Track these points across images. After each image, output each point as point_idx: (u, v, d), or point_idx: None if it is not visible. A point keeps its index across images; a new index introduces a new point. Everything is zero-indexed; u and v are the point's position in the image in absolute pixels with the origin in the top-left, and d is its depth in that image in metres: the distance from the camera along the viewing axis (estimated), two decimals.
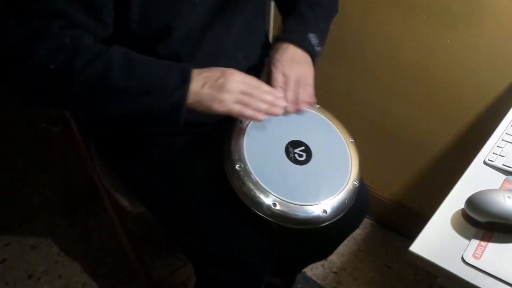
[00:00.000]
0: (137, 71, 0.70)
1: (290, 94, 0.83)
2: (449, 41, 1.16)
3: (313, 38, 0.90)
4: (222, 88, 0.74)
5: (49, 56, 0.67)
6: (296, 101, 0.83)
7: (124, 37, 0.76)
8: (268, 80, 0.84)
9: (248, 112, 0.75)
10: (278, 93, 0.80)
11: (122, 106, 0.72)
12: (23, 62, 0.68)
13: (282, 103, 0.80)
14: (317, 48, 0.90)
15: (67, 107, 0.90)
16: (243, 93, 0.75)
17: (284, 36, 0.88)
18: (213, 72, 0.75)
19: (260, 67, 0.95)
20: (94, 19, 0.72)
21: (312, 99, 0.86)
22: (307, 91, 0.85)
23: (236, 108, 0.75)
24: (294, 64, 0.86)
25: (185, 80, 0.72)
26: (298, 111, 0.84)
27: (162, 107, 0.72)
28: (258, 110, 0.76)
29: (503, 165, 0.77)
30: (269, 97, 0.78)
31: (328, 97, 1.45)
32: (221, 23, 0.84)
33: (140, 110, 0.72)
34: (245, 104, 0.75)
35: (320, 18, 0.94)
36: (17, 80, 0.71)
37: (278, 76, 0.84)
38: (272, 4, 1.10)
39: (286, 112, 0.82)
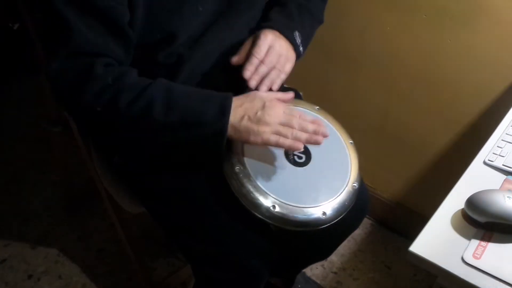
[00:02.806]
0: (177, 106, 0.72)
1: (264, 68, 0.83)
2: (449, 41, 1.16)
3: (298, 36, 0.90)
4: (260, 121, 0.73)
5: (95, 98, 0.71)
6: (263, 78, 0.83)
7: None
8: (250, 49, 0.83)
9: (286, 142, 0.74)
10: (321, 122, 0.79)
11: (165, 138, 0.75)
12: (72, 103, 0.74)
13: (325, 131, 0.78)
14: (300, 48, 0.90)
15: (116, 138, 0.93)
16: (282, 124, 0.75)
17: (272, 25, 0.88)
18: (254, 103, 0.75)
19: None
20: (125, 46, 0.75)
21: (276, 87, 0.85)
22: (280, 77, 0.85)
23: (273, 139, 0.74)
24: (281, 44, 0.86)
25: (224, 113, 0.72)
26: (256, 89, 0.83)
27: (202, 140, 0.73)
28: (297, 139, 0.75)
29: (503, 165, 0.77)
30: (311, 127, 0.77)
31: (328, 98, 1.44)
32: (222, 25, 0.85)
33: (181, 142, 0.75)
34: (284, 136, 0.74)
35: (307, 22, 0.94)
36: (72, 114, 0.80)
37: (263, 44, 0.83)
38: None
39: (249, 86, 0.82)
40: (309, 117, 0.78)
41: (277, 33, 0.86)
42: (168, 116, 0.71)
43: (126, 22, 0.74)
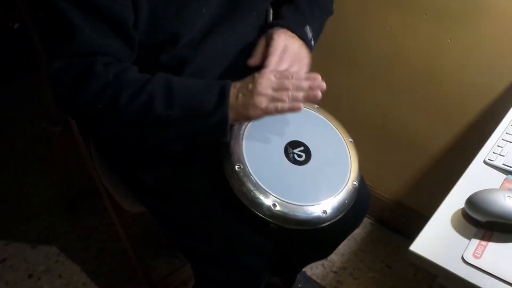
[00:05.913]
0: (177, 98, 0.72)
1: (284, 65, 0.82)
2: (449, 41, 1.16)
3: (309, 31, 0.90)
4: (253, 92, 0.73)
5: (95, 96, 0.71)
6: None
7: None
8: (266, 50, 0.83)
9: (285, 106, 0.74)
10: (316, 75, 0.77)
11: (169, 132, 0.75)
12: (73, 102, 0.73)
13: (322, 85, 0.76)
14: (312, 43, 0.90)
15: (119, 136, 0.89)
16: (275, 89, 0.74)
17: (283, 23, 0.88)
18: (245, 80, 0.75)
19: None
20: (129, 46, 0.75)
21: None
22: (299, 74, 0.84)
23: (271, 107, 0.74)
24: (295, 42, 0.86)
25: (224, 99, 0.72)
26: None
27: (206, 128, 0.74)
28: (296, 100, 0.74)
29: (503, 164, 0.77)
30: (305, 84, 0.75)
31: (328, 97, 1.44)
32: (226, 27, 0.85)
33: (186, 133, 0.75)
34: (280, 100, 0.74)
35: (316, 15, 0.94)
36: (72, 114, 0.81)
37: (278, 44, 0.83)
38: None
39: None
40: (303, 74, 0.77)
41: (289, 32, 0.86)
42: (169, 110, 0.72)
43: (130, 22, 0.74)
